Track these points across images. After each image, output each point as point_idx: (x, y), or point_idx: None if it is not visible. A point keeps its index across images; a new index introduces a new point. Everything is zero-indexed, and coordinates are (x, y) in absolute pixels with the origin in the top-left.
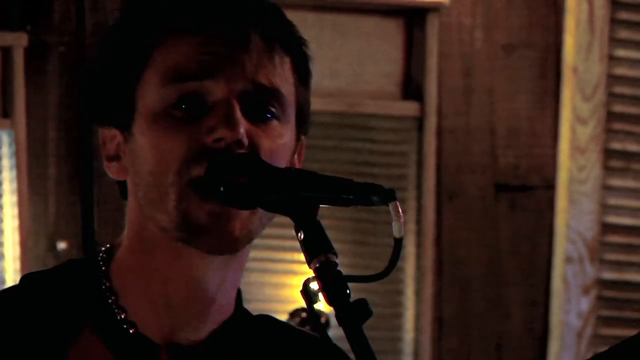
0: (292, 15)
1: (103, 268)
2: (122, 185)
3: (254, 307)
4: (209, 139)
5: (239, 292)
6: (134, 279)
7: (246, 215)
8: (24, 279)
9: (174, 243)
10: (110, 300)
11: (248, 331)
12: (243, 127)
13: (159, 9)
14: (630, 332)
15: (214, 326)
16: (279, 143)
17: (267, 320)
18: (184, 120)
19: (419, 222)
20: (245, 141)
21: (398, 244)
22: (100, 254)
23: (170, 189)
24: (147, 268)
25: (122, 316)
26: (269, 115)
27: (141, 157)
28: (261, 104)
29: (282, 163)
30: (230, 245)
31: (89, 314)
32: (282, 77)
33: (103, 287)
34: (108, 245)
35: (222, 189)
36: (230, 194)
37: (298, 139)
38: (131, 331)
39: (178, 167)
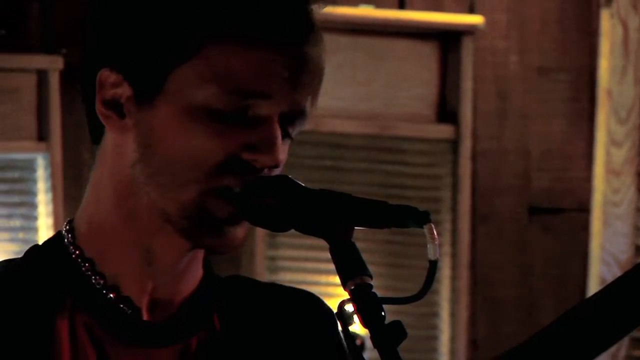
0: (326, 38)
1: (68, 238)
2: (98, 128)
3: None
4: (247, 156)
5: (207, 259)
6: (113, 244)
7: (247, 225)
8: None
9: (164, 224)
10: (84, 268)
11: (222, 289)
12: (281, 153)
13: (228, 4)
14: None
15: (191, 287)
16: (285, 157)
17: (237, 278)
18: (224, 125)
19: (453, 244)
20: (281, 166)
21: (433, 266)
22: (64, 229)
23: (192, 185)
24: (130, 236)
25: (101, 282)
26: (290, 135)
27: (167, 144)
28: (291, 124)
29: None
30: (232, 249)
31: (68, 285)
32: (316, 100)
33: (73, 256)
34: (69, 219)
35: (252, 209)
36: (264, 216)
37: None
38: (112, 295)
39: (209, 169)
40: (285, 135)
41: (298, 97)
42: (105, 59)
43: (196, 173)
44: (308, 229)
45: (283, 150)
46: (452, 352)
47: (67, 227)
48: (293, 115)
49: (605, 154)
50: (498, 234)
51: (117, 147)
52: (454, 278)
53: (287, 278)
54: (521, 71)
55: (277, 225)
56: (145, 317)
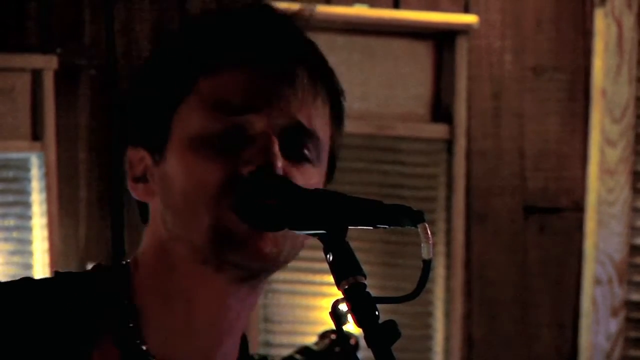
0: (321, 38)
1: (126, 285)
2: (144, 208)
3: (283, 328)
4: (245, 169)
5: (244, 338)
6: (156, 301)
7: (278, 235)
8: (56, 275)
9: (202, 267)
10: (132, 324)
11: None
12: (280, 161)
13: (208, 38)
14: None
15: None
16: (310, 184)
17: None
18: (223, 149)
19: (448, 244)
20: (281, 173)
21: (427, 265)
22: (123, 269)
23: (204, 211)
24: (171, 290)
25: (140, 343)
26: (304, 157)
27: (175, 179)
28: (299, 144)
29: None
30: (261, 260)
31: (112, 326)
32: (322, 120)
33: (126, 302)
34: (127, 261)
35: (249, 210)
36: (259, 217)
37: (325, 185)
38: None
39: (214, 190)
40: (297, 155)
41: (288, 110)
42: (128, 141)
43: (205, 198)
44: (302, 228)
45: (304, 174)
46: (447, 352)
47: (124, 271)
48: (295, 132)
49: (599, 153)
50: (494, 233)
51: (152, 213)
52: (449, 277)
53: (281, 277)
54: (516, 71)
55: (270, 224)
56: None
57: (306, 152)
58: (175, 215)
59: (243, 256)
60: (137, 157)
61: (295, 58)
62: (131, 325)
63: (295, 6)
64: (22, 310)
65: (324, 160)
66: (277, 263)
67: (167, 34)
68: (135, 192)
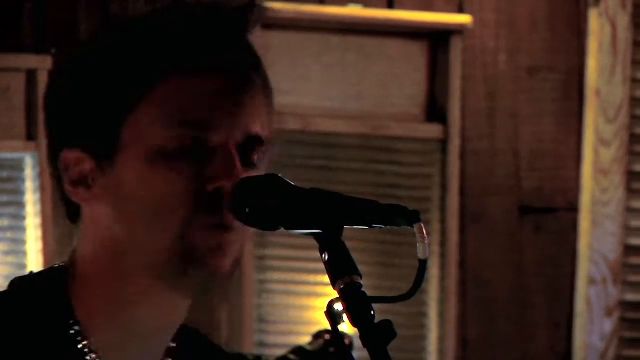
0: (316, 38)
1: (63, 291)
2: (74, 208)
3: (277, 329)
4: (211, 187)
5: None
6: (103, 307)
7: (236, 249)
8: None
9: (155, 282)
10: (73, 331)
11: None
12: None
13: (165, 43)
14: None
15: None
16: None
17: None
18: (185, 162)
19: (442, 244)
20: None
21: (423, 265)
22: (57, 273)
23: (168, 227)
24: (120, 298)
25: (85, 345)
26: (253, 164)
27: (134, 192)
28: (252, 151)
29: None
30: (220, 278)
31: (52, 334)
32: (269, 125)
33: (66, 311)
34: (60, 265)
35: (247, 210)
36: (255, 216)
37: None
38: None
39: (180, 208)
40: (248, 163)
41: (246, 121)
42: (63, 141)
43: (170, 214)
44: (298, 228)
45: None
46: (441, 352)
47: (59, 274)
48: (249, 142)
49: (593, 153)
50: (489, 233)
51: (93, 218)
52: (443, 278)
53: (275, 277)
54: (510, 71)
55: (266, 224)
56: None
57: (255, 158)
58: (131, 227)
59: (203, 274)
60: (74, 159)
61: (252, 65)
62: (72, 332)
63: (290, 7)
64: None
65: (264, 162)
66: (230, 278)
67: (121, 22)
68: (76, 196)
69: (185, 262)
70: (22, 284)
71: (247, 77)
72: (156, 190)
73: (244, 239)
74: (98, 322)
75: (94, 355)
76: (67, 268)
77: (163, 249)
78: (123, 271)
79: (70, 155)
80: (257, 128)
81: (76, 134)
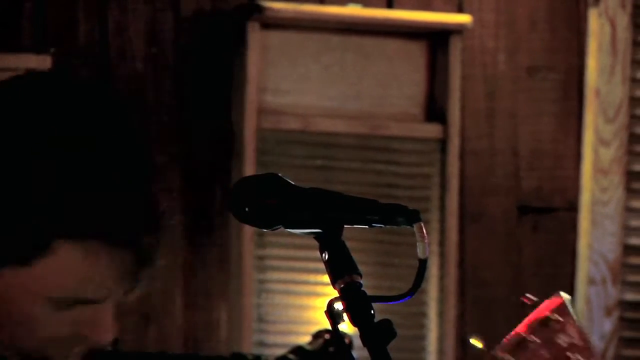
0: (315, 38)
1: None
2: None
3: (277, 328)
4: (86, 332)
5: None
6: None
7: None
8: None
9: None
10: None
11: None
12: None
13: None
14: None
15: None
16: None
17: None
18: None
19: (442, 243)
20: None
21: (423, 264)
22: None
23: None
24: None
25: None
26: None
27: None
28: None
29: None
30: None
31: None
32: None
33: None
34: None
35: (246, 209)
36: (255, 215)
37: None
38: None
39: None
40: None
41: (133, 288)
42: None
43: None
44: (297, 227)
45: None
46: (440, 352)
47: None
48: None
49: (593, 153)
50: (488, 233)
51: None
52: (442, 277)
53: (275, 277)
54: (510, 71)
55: (266, 223)
56: None
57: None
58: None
59: None
60: None
61: (152, 229)
62: None
63: (290, 7)
64: None
65: None
66: None
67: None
68: None
69: None
70: None
71: (144, 246)
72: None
73: None
74: None
75: None
76: None
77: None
78: None
79: None
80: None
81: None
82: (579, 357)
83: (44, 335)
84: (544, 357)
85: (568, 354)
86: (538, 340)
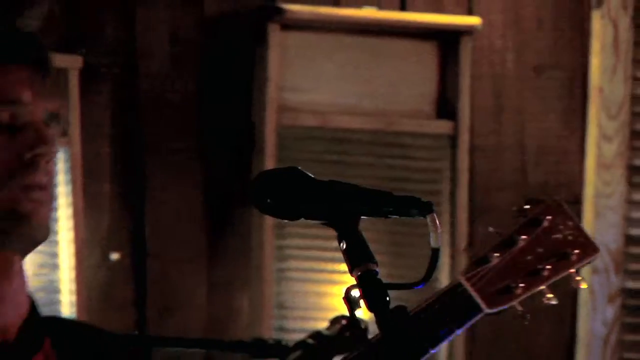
0: (331, 38)
1: None
2: None
3: (296, 314)
4: (29, 154)
5: (32, 297)
6: None
7: (51, 208)
8: None
9: None
10: None
11: (45, 326)
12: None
13: None
14: None
15: (23, 316)
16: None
17: (56, 319)
18: (7, 136)
19: (452, 234)
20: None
21: (435, 253)
22: None
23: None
24: None
25: None
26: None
27: None
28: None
29: None
30: (42, 234)
31: None
32: (56, 99)
33: None
34: None
35: (269, 201)
36: (276, 206)
37: None
38: None
39: (4, 177)
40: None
41: (44, 102)
42: None
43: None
44: (317, 218)
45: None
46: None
47: None
48: (49, 118)
49: (596, 148)
50: (496, 225)
51: None
52: (454, 266)
53: (294, 266)
54: (517, 69)
55: (287, 214)
56: None
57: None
58: None
59: (25, 229)
60: None
61: (42, 57)
62: None
63: (308, 9)
64: None
65: None
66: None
67: None
68: None
69: (7, 220)
70: None
71: (41, 67)
72: None
73: (54, 196)
74: None
75: None
76: None
77: None
78: None
79: None
80: (52, 107)
81: None
82: (577, 251)
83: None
84: (537, 252)
85: (567, 249)
86: (525, 237)
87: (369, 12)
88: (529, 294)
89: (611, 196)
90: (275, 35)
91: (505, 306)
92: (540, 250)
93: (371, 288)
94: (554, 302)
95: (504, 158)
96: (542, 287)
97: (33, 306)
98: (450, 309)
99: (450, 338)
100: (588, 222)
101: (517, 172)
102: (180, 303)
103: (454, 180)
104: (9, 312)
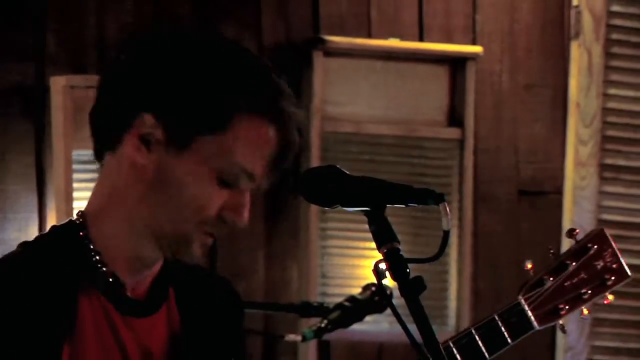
0: (364, 64)
1: (83, 233)
2: (104, 148)
3: (335, 282)
4: (227, 214)
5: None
6: (117, 246)
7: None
8: (23, 246)
9: (156, 243)
10: (94, 260)
11: (170, 279)
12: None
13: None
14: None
15: (155, 272)
16: None
17: (178, 266)
18: (222, 188)
19: (460, 219)
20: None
21: (446, 234)
22: (77, 220)
23: (190, 222)
24: (130, 242)
25: (104, 269)
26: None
27: (182, 187)
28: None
29: None
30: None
31: (83, 271)
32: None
33: (89, 248)
34: (79, 214)
35: (313, 192)
36: (318, 196)
37: None
38: (111, 280)
39: (205, 217)
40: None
41: (272, 177)
42: (149, 105)
43: (196, 217)
44: (351, 206)
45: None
46: (459, 299)
47: (80, 220)
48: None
49: (574, 150)
50: (495, 211)
51: (136, 171)
52: (460, 244)
53: (334, 244)
54: (511, 87)
55: (327, 202)
56: (130, 294)
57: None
58: (162, 206)
59: (185, 259)
60: (152, 123)
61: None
62: (95, 260)
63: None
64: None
65: None
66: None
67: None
68: (137, 151)
69: (179, 247)
70: (53, 230)
71: (295, 147)
72: (201, 198)
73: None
74: (114, 255)
75: (110, 276)
76: (79, 222)
77: (177, 232)
78: (137, 229)
79: (150, 118)
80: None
81: (166, 110)
82: (613, 278)
83: (197, 209)
84: (582, 277)
85: (605, 275)
86: (574, 264)
87: (395, 42)
88: (570, 313)
89: (586, 188)
90: (319, 61)
91: (552, 324)
92: (584, 276)
93: (395, 262)
94: (587, 318)
95: (501, 157)
96: (582, 308)
97: (164, 265)
98: (508, 323)
99: (505, 348)
100: (567, 209)
101: (512, 169)
102: (245, 271)
103: (461, 175)
104: (143, 276)
